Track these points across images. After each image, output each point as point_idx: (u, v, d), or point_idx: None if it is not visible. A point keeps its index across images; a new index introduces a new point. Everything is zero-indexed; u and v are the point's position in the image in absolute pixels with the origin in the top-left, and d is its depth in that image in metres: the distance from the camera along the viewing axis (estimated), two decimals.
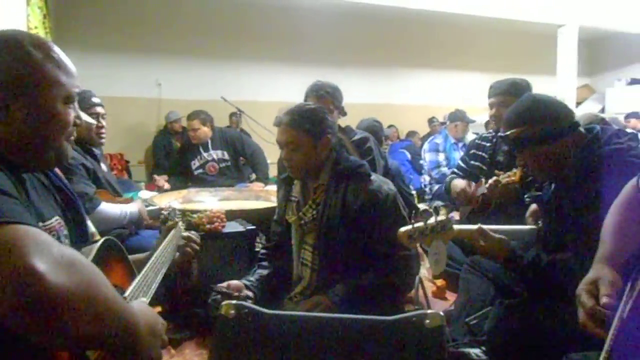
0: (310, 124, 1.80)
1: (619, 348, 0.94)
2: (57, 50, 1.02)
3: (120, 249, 1.16)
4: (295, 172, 1.85)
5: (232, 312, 0.94)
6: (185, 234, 1.53)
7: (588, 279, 1.14)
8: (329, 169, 1.84)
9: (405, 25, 7.49)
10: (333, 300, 1.70)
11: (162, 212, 1.95)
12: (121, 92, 6.15)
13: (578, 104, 7.78)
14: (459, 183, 2.54)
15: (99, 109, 2.43)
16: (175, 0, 6.53)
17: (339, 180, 1.82)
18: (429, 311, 0.91)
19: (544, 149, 1.61)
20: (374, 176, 1.86)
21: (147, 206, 2.91)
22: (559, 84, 6.77)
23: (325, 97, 2.47)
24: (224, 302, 0.95)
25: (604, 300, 1.03)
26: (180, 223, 1.57)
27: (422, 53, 7.87)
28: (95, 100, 2.42)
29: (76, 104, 1.06)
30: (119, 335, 0.79)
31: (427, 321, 0.89)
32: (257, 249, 2.54)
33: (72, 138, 1.07)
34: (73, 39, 5.98)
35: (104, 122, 2.45)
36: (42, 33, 4.41)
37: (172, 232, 1.43)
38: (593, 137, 1.64)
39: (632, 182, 1.25)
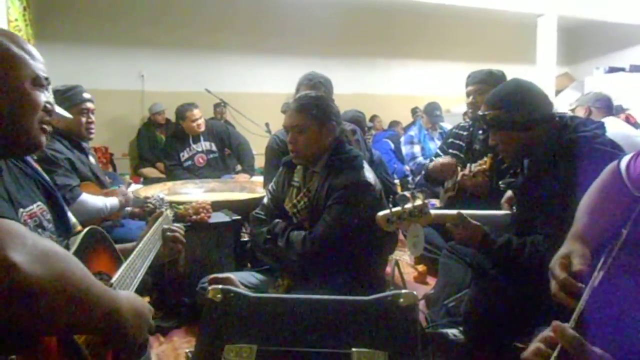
0: (317, 110, 1.88)
1: (589, 316, 1.02)
2: (22, 39, 1.07)
3: (106, 237, 1.19)
4: (299, 155, 1.92)
5: (219, 296, 0.99)
6: (168, 226, 1.50)
7: (561, 253, 1.20)
8: (327, 158, 1.90)
9: (388, 16, 7.53)
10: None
11: (149, 202, 1.99)
12: (104, 84, 6.10)
13: (558, 92, 7.91)
14: (438, 159, 2.60)
15: (89, 105, 2.45)
16: None
17: (332, 169, 1.88)
18: (403, 291, 0.97)
19: (516, 135, 1.69)
20: (366, 168, 1.92)
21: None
22: (538, 72, 6.88)
23: (318, 87, 2.53)
24: (210, 287, 1.01)
25: (577, 267, 1.10)
26: (168, 211, 1.60)
27: (405, 43, 7.93)
28: (85, 95, 2.44)
29: (48, 92, 1.09)
30: (99, 320, 0.82)
31: (402, 300, 0.96)
32: (242, 239, 2.59)
33: (47, 127, 1.08)
34: (54, 32, 5.91)
35: (93, 117, 2.48)
36: (22, 26, 4.36)
37: (159, 220, 1.46)
38: (563, 124, 1.72)
39: (612, 165, 1.29)
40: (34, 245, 0.73)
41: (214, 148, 4.48)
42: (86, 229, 1.10)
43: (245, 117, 5.14)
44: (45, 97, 1.06)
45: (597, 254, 1.20)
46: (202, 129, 4.39)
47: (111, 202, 2.40)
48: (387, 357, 0.89)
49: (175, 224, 1.57)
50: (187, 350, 1.95)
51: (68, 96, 2.36)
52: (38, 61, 1.05)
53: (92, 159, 2.59)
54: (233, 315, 0.97)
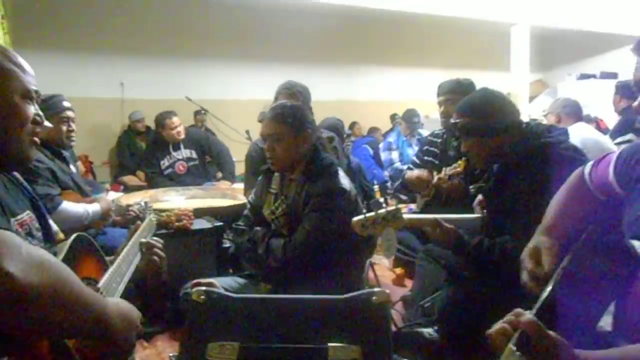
0: (292, 119, 1.94)
1: (550, 307, 1.10)
2: (14, 53, 1.09)
3: (92, 243, 1.24)
4: (276, 163, 1.98)
5: (203, 297, 1.05)
6: (144, 240, 1.50)
7: (530, 246, 1.30)
8: (303, 165, 1.96)
9: (367, 25, 7.65)
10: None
11: (131, 210, 2.03)
12: (83, 92, 6.07)
13: (532, 98, 8.12)
14: (413, 172, 2.70)
15: (70, 113, 2.48)
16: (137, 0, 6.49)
17: (309, 176, 1.94)
18: (376, 289, 1.04)
19: (485, 141, 1.78)
20: (341, 175, 1.98)
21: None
22: (512, 79, 7.09)
23: (296, 96, 2.59)
24: (194, 289, 1.06)
25: (545, 261, 1.20)
26: (152, 216, 1.64)
27: (384, 51, 8.07)
28: (65, 104, 2.47)
29: (36, 105, 1.11)
30: (90, 324, 0.86)
31: (375, 298, 1.03)
32: (224, 245, 2.63)
33: (36, 139, 1.10)
34: (33, 40, 5.88)
35: (73, 126, 2.50)
36: (0, 34, 4.35)
37: (144, 224, 1.50)
38: (529, 131, 1.81)
39: (578, 170, 1.40)
40: (27, 255, 0.77)
41: (194, 155, 4.51)
42: (74, 236, 1.14)
43: (226, 124, 5.19)
44: (34, 109, 1.09)
45: (564, 252, 1.30)
46: (182, 136, 4.41)
47: (93, 208, 2.42)
48: (361, 351, 0.95)
49: (153, 237, 1.58)
50: (171, 355, 1.98)
51: (48, 105, 2.37)
52: (28, 75, 1.08)
53: (73, 168, 2.61)
54: (216, 315, 1.03)
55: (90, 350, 1.00)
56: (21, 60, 1.09)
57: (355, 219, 1.54)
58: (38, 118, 1.10)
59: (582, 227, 1.29)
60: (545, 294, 1.07)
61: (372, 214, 1.52)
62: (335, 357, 0.95)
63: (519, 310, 0.92)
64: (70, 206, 2.34)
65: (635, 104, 1.06)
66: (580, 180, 1.37)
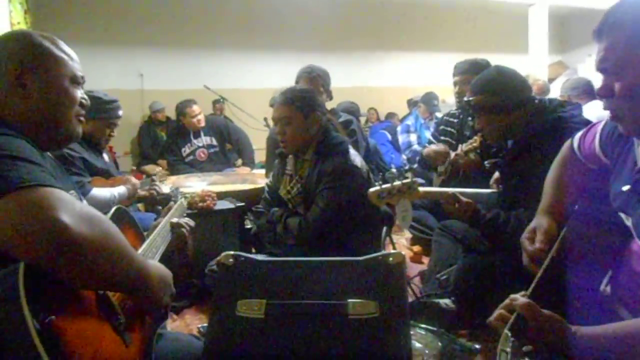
0: (301, 102, 2.00)
1: (546, 281, 1.15)
2: (62, 42, 1.20)
3: (130, 216, 1.33)
4: (288, 145, 2.05)
5: (231, 260, 1.13)
6: (175, 220, 1.58)
7: (529, 228, 1.35)
8: (315, 146, 2.03)
9: (382, 10, 7.64)
10: None
11: (154, 185, 2.12)
12: (103, 84, 6.15)
13: (551, 80, 8.01)
14: (431, 146, 2.73)
15: (118, 122, 2.66)
16: None
17: (321, 156, 2.00)
18: (392, 251, 1.11)
19: (498, 118, 1.82)
20: (352, 152, 2.04)
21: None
22: (530, 61, 7.01)
23: (317, 80, 2.65)
24: (223, 253, 1.15)
25: (536, 245, 1.25)
26: (182, 200, 1.74)
27: (399, 36, 8.05)
28: (120, 113, 2.65)
29: (82, 89, 1.21)
30: (132, 278, 0.95)
31: (391, 259, 1.10)
32: (246, 226, 2.72)
33: (82, 119, 1.20)
34: (53, 33, 5.96)
35: (115, 133, 2.69)
36: (24, 28, 4.48)
37: (176, 205, 1.60)
38: (542, 106, 1.85)
39: (568, 142, 1.44)
40: (80, 210, 0.87)
41: (214, 142, 4.62)
42: (114, 208, 1.24)
43: (244, 112, 5.25)
44: (80, 93, 1.19)
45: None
46: (202, 124, 4.51)
47: (119, 190, 2.55)
48: (378, 306, 1.03)
49: (184, 219, 1.65)
50: (199, 326, 2.09)
51: (106, 108, 2.54)
52: (75, 62, 1.19)
53: (106, 157, 2.77)
54: (244, 276, 1.11)
55: (131, 306, 1.09)
56: (68, 49, 1.20)
57: (371, 190, 1.61)
58: (84, 101, 1.20)
59: (579, 198, 1.33)
60: (539, 275, 1.11)
61: (388, 185, 1.58)
62: (355, 312, 1.02)
63: (513, 295, 0.97)
64: (99, 192, 2.47)
65: (598, 89, 1.10)
66: (571, 153, 1.41)
